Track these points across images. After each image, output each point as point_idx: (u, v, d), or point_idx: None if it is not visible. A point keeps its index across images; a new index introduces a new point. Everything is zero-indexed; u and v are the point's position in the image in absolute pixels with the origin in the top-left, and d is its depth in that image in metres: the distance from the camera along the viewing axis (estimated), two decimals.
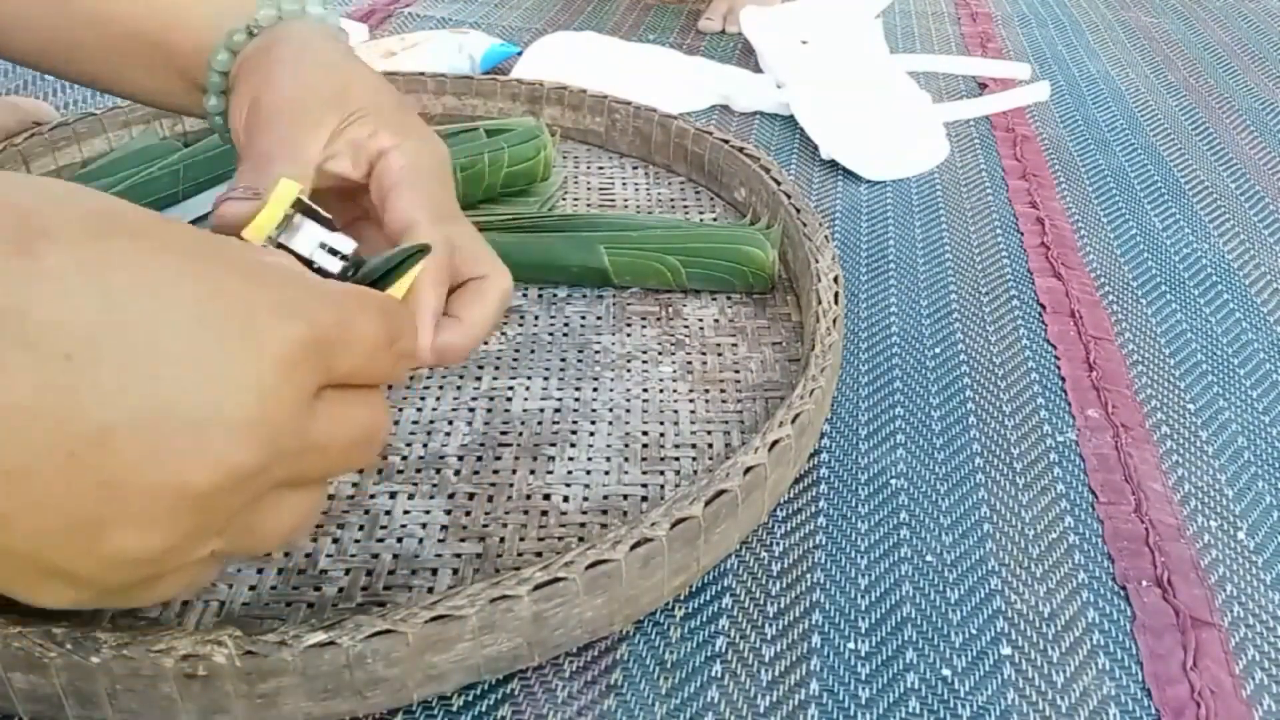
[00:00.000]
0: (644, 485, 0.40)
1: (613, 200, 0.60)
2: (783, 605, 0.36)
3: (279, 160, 0.33)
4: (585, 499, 0.39)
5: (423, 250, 0.31)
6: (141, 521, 0.21)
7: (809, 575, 0.37)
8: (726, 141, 0.59)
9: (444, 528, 0.38)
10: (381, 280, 0.30)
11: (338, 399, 0.24)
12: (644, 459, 0.41)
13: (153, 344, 0.20)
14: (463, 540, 0.37)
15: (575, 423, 0.43)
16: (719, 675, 0.33)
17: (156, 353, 0.20)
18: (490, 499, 0.39)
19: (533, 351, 0.47)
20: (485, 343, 0.48)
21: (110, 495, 0.20)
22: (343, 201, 0.37)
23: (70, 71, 0.43)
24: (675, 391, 0.45)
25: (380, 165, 0.35)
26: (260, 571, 0.36)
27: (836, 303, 0.44)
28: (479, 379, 0.46)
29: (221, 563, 0.25)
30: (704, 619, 0.35)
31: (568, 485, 0.40)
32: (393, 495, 0.39)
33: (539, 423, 0.43)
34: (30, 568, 0.21)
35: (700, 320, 0.50)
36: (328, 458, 0.24)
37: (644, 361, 0.47)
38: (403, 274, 0.31)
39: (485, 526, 0.38)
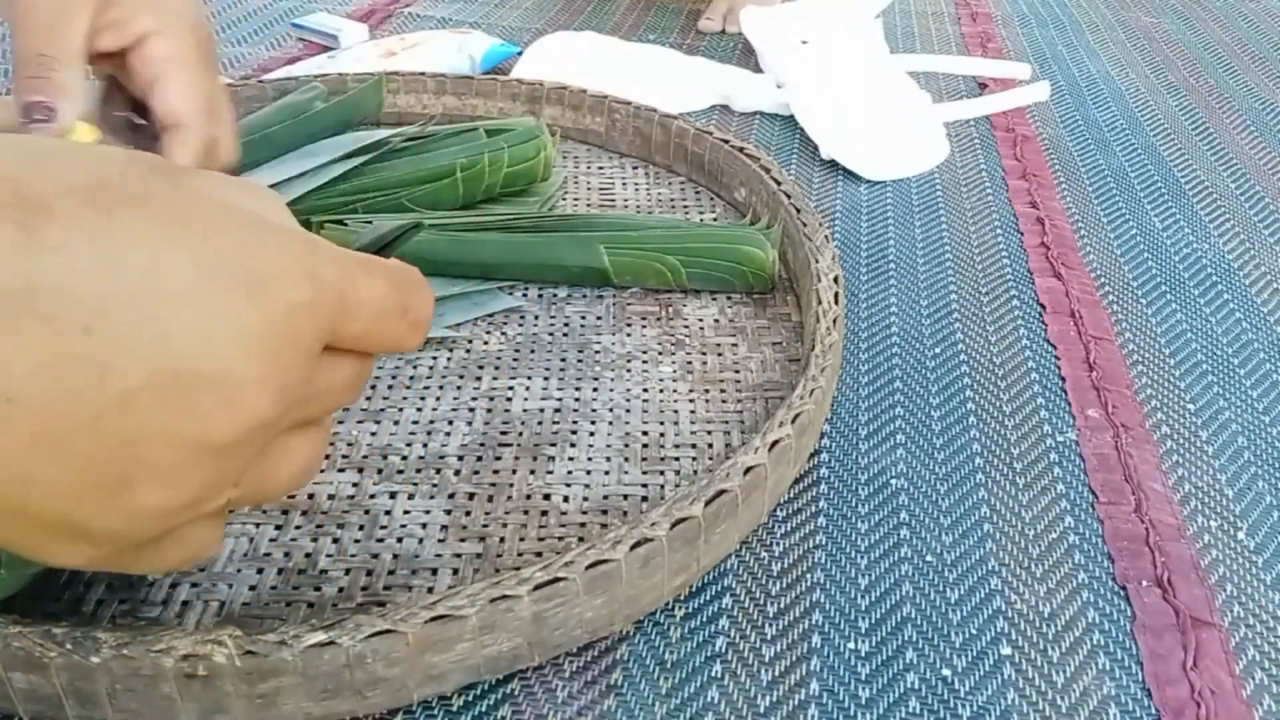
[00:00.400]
0: (644, 485, 0.40)
1: (613, 200, 0.60)
2: (783, 605, 0.36)
3: (54, 58, 0.36)
4: (585, 499, 0.39)
5: (417, 227, 0.31)
6: (165, 475, 0.21)
7: (809, 575, 0.37)
8: (726, 141, 0.59)
9: (444, 528, 0.38)
10: (376, 254, 0.30)
11: (336, 358, 0.25)
12: (644, 459, 0.41)
13: (165, 308, 0.21)
14: (463, 540, 0.37)
15: (575, 423, 0.43)
16: (719, 675, 0.33)
17: (169, 316, 0.21)
18: (490, 499, 0.39)
19: (533, 351, 0.47)
20: (485, 343, 0.48)
21: (135, 453, 0.21)
22: (100, 62, 0.39)
23: None
24: (675, 391, 0.45)
25: (143, 51, 0.37)
26: (260, 571, 0.36)
27: (836, 303, 0.44)
28: (479, 379, 0.46)
29: (221, 526, 0.26)
30: (704, 619, 0.35)
31: (568, 485, 0.40)
32: (393, 495, 0.39)
33: (539, 423, 0.43)
34: (50, 526, 0.21)
35: (700, 320, 0.50)
36: (329, 399, 0.25)
37: (644, 361, 0.47)
38: (396, 249, 0.31)
39: (485, 526, 0.38)
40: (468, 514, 0.38)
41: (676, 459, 0.41)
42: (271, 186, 0.53)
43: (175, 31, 0.38)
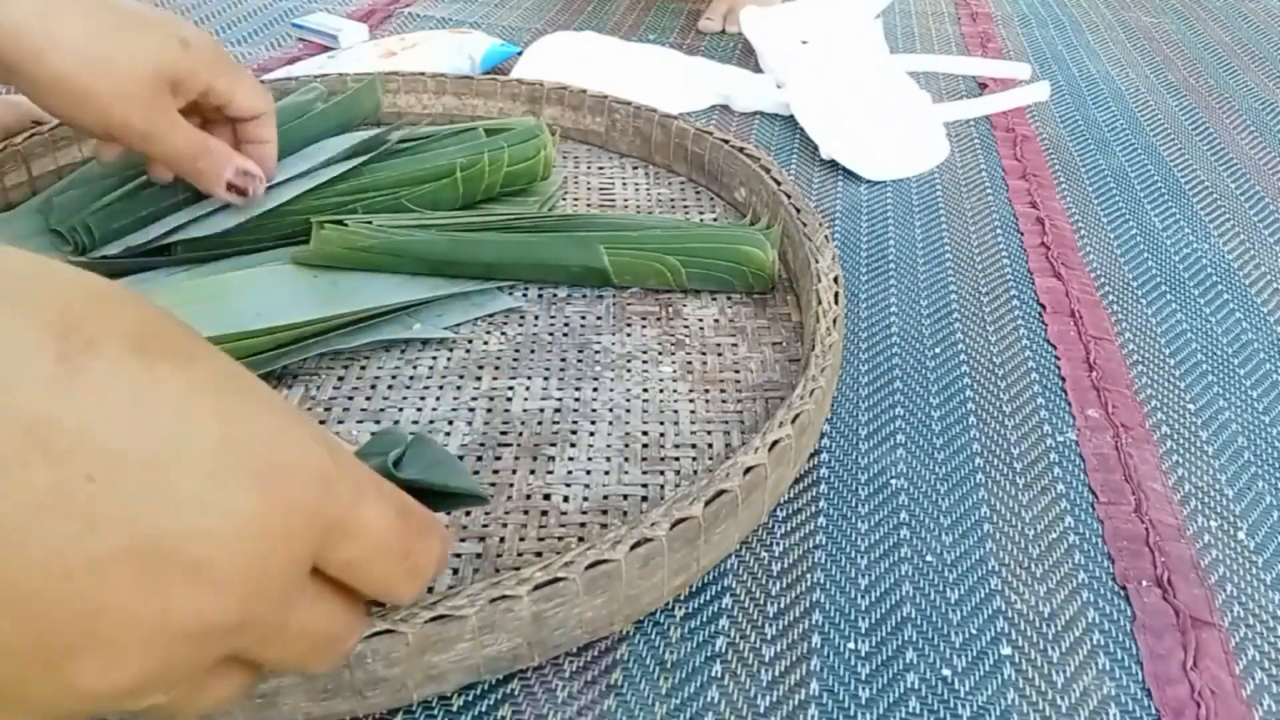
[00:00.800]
0: (644, 485, 0.40)
1: (613, 200, 0.60)
2: (783, 605, 0.36)
3: (176, 135, 0.45)
4: (585, 499, 0.39)
5: (480, 499, 0.30)
6: (110, 655, 0.20)
7: (809, 575, 0.37)
8: (726, 141, 0.59)
9: (444, 527, 0.38)
10: (426, 495, 0.29)
11: (324, 592, 0.24)
12: (644, 459, 0.41)
13: (173, 477, 0.20)
14: (463, 540, 0.37)
15: (575, 423, 0.43)
16: (719, 675, 0.33)
17: (174, 487, 0.20)
18: (490, 499, 0.39)
19: (533, 351, 0.47)
20: (485, 343, 0.48)
21: (90, 624, 0.19)
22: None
23: None
24: (675, 391, 0.45)
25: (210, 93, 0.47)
26: None
27: (836, 303, 0.44)
28: (479, 379, 0.46)
29: None
30: (704, 619, 0.35)
31: (568, 485, 0.40)
32: None
33: (539, 423, 0.43)
34: None
35: (700, 320, 0.50)
36: (297, 647, 0.24)
37: (644, 361, 0.47)
38: (450, 504, 0.30)
39: (485, 526, 0.38)
40: (468, 514, 0.38)
41: (676, 459, 0.41)
42: (271, 188, 0.53)
43: (215, 59, 0.47)
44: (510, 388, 0.45)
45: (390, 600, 0.26)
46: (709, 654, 0.34)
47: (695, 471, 0.41)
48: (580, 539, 0.37)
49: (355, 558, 0.23)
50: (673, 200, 0.60)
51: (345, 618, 0.25)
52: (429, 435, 0.35)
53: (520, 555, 0.37)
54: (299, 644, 0.23)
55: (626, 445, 0.42)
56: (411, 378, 0.45)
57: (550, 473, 0.40)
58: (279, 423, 0.22)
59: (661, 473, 0.41)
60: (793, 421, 0.37)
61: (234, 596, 0.21)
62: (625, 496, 0.39)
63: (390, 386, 0.45)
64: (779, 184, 0.54)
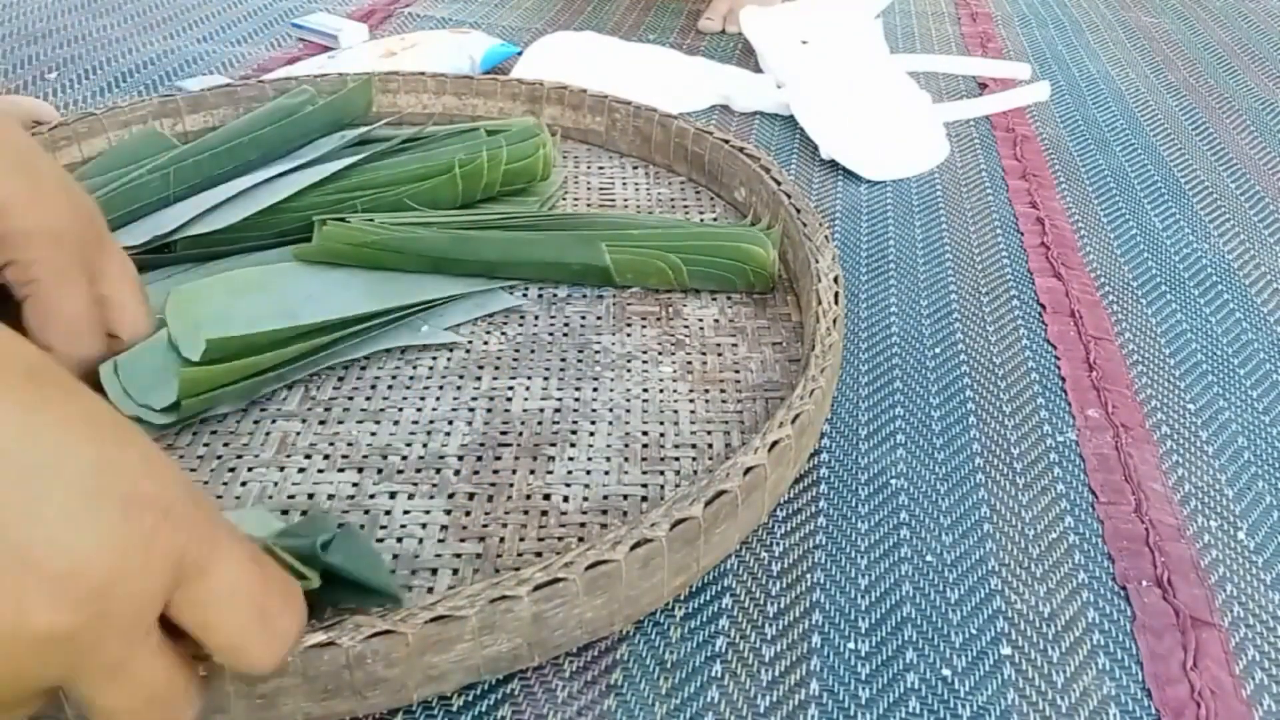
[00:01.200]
0: (644, 485, 0.40)
1: (613, 200, 0.60)
2: (783, 605, 0.36)
3: None
4: (585, 499, 0.39)
5: (397, 600, 0.31)
6: None
7: (809, 575, 0.37)
8: (726, 141, 0.59)
9: (444, 528, 0.38)
10: (343, 587, 0.30)
11: (166, 646, 0.24)
12: (644, 459, 0.41)
13: (45, 491, 0.21)
14: (463, 540, 0.37)
15: (575, 423, 0.43)
16: (719, 675, 0.33)
17: (48, 499, 0.21)
18: (490, 499, 0.39)
19: (533, 351, 0.47)
20: (485, 343, 0.48)
21: None
22: None
23: None
24: (675, 391, 0.45)
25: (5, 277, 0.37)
26: None
27: (836, 303, 0.44)
28: (479, 379, 0.46)
29: None
30: (704, 619, 0.35)
31: (568, 485, 0.40)
32: (393, 495, 0.39)
33: (539, 423, 0.43)
34: None
35: (700, 320, 0.50)
36: (122, 689, 0.23)
37: (644, 361, 0.47)
38: (365, 599, 0.30)
39: (485, 526, 0.38)
40: (468, 514, 0.38)
41: (676, 459, 0.41)
42: (264, 183, 0.53)
43: (32, 242, 0.36)
44: (510, 388, 0.45)
45: (243, 666, 0.25)
46: (709, 654, 0.34)
47: (695, 471, 0.41)
48: (580, 539, 0.37)
49: (207, 598, 0.24)
50: (673, 200, 0.60)
51: (183, 682, 0.24)
52: (358, 530, 0.36)
53: (520, 555, 0.37)
54: (134, 694, 0.23)
55: (626, 445, 0.42)
56: (411, 378, 0.45)
57: (550, 473, 0.40)
58: (149, 459, 0.23)
59: (661, 473, 0.41)
60: (793, 421, 0.37)
61: (85, 613, 0.21)
62: (625, 496, 0.39)
63: (390, 386, 0.45)
64: (779, 184, 0.54)
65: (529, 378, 0.46)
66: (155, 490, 0.23)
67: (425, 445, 0.42)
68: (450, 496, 0.39)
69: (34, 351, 0.23)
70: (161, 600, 0.23)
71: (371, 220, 0.49)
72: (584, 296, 0.51)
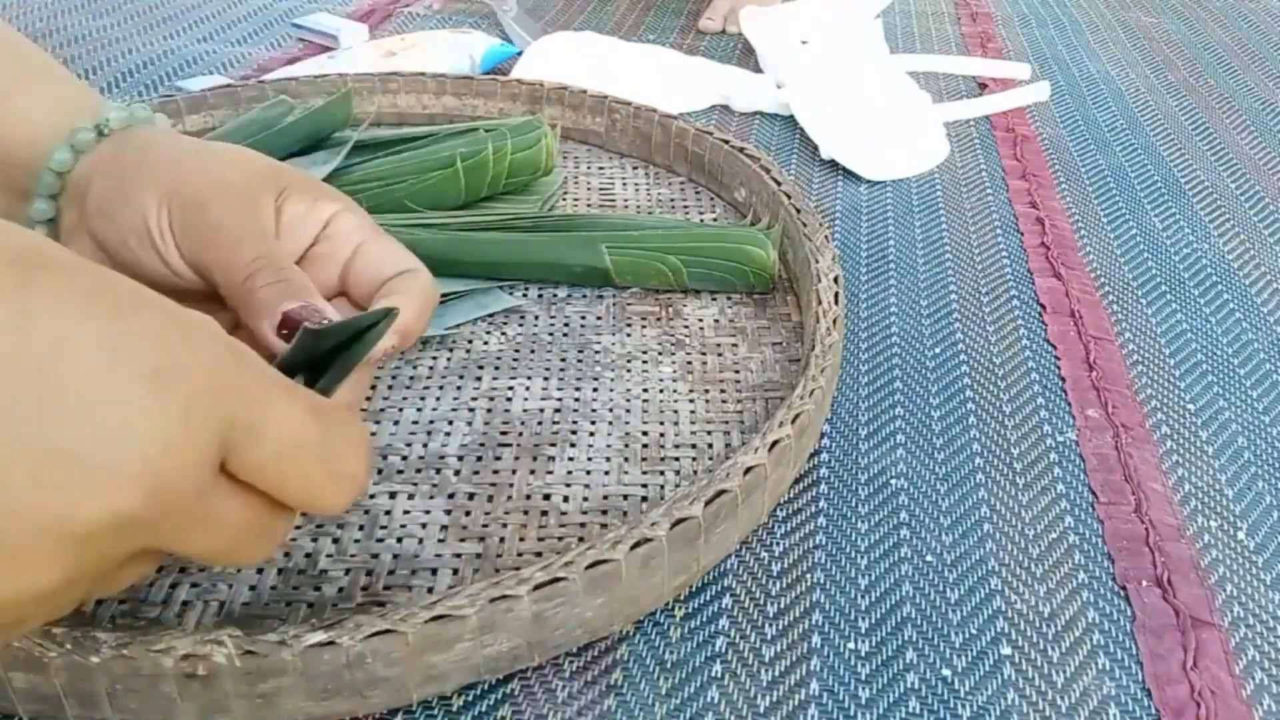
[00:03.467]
0: (644, 485, 0.40)
1: (613, 200, 0.60)
2: (783, 605, 0.36)
3: (280, 265, 0.31)
4: (585, 499, 0.39)
5: (390, 314, 0.29)
6: (21, 560, 0.20)
7: (809, 575, 0.37)
8: (726, 141, 0.59)
9: (444, 528, 0.38)
10: (347, 345, 0.28)
11: (241, 487, 0.23)
12: (644, 459, 0.41)
13: (59, 383, 0.20)
14: (463, 540, 0.37)
15: (575, 423, 0.43)
16: (719, 675, 0.33)
17: (61, 392, 0.20)
18: (490, 499, 0.39)
19: (533, 351, 0.47)
20: (485, 343, 0.48)
21: None
22: None
23: None
24: (675, 391, 0.45)
25: (331, 230, 0.34)
26: (260, 571, 0.36)
27: (836, 303, 0.44)
28: (479, 379, 0.46)
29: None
30: (704, 619, 0.35)
31: (568, 485, 0.40)
32: (393, 495, 0.39)
33: (539, 423, 0.43)
34: None
35: (700, 320, 0.50)
36: (209, 534, 0.23)
37: (644, 361, 0.47)
38: (368, 339, 0.29)
39: (485, 526, 0.38)
40: (468, 514, 0.38)
41: (676, 459, 0.41)
42: None
43: (353, 207, 0.35)
44: (510, 388, 0.45)
45: (317, 510, 0.25)
46: (709, 654, 0.34)
47: (695, 471, 0.41)
48: (580, 539, 0.37)
49: (266, 459, 0.23)
50: (673, 200, 0.60)
51: (270, 510, 0.24)
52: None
53: (520, 555, 0.37)
54: (222, 534, 0.23)
55: (626, 445, 0.42)
56: (411, 378, 0.45)
57: (550, 473, 0.40)
58: (173, 323, 0.22)
59: (661, 473, 0.41)
60: (793, 421, 0.37)
61: (140, 491, 0.21)
62: (625, 496, 0.39)
63: (390, 386, 0.45)
64: (779, 184, 0.54)
65: (529, 378, 0.46)
66: (183, 358, 0.21)
67: (425, 445, 0.42)
68: (450, 496, 0.39)
69: (24, 236, 0.21)
70: (217, 460, 0.22)
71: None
72: (584, 296, 0.51)
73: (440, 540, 0.37)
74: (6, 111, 0.35)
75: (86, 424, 0.20)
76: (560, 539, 0.37)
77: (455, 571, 0.36)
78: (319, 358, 0.29)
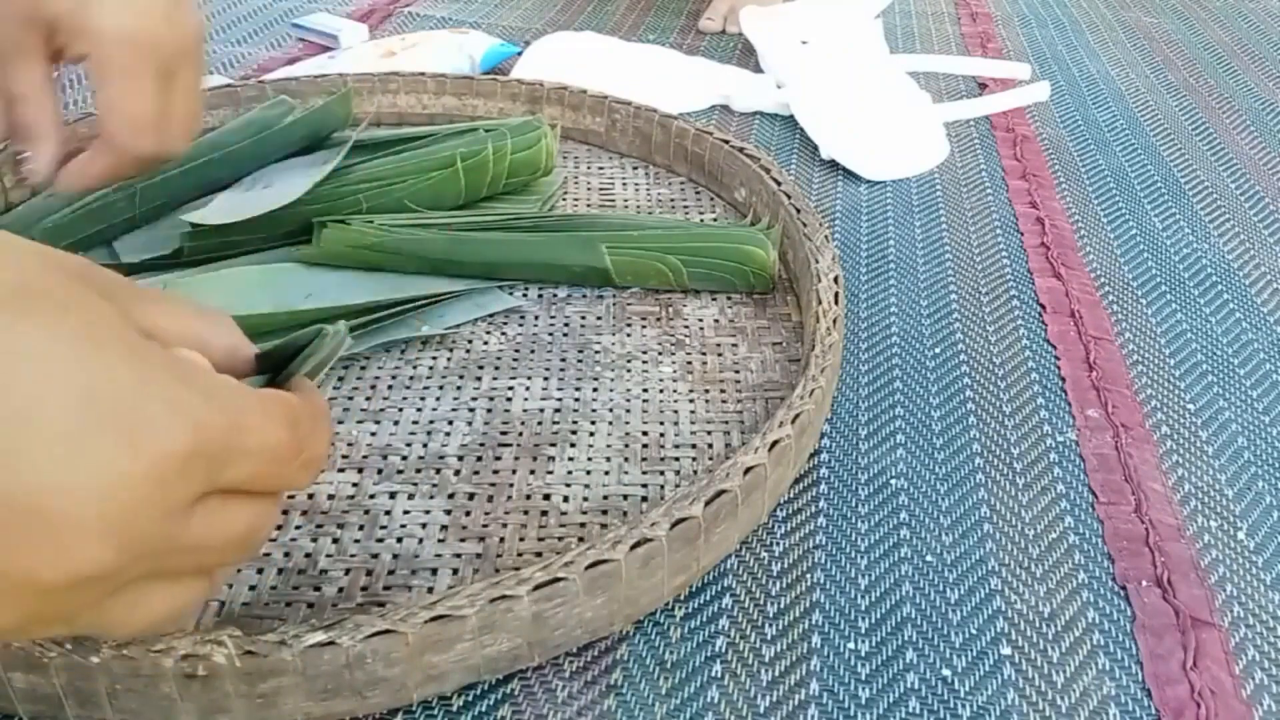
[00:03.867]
0: (644, 485, 0.40)
1: (613, 200, 0.60)
2: (783, 605, 0.36)
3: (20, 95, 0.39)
4: (585, 499, 0.39)
5: (320, 332, 0.29)
6: None
7: (809, 575, 0.37)
8: (726, 141, 0.59)
9: (444, 528, 0.38)
10: (289, 362, 0.29)
11: (221, 504, 0.24)
12: (644, 459, 0.41)
13: (33, 430, 0.20)
14: (463, 540, 0.37)
15: (575, 423, 0.43)
16: (719, 675, 0.33)
17: (33, 441, 0.20)
18: (490, 499, 0.39)
19: (533, 351, 0.47)
20: (485, 343, 0.48)
21: None
22: None
23: None
24: (675, 391, 0.45)
25: (86, 65, 0.39)
26: (260, 571, 0.36)
27: (836, 303, 0.44)
28: (479, 379, 0.46)
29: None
30: (704, 619, 0.35)
31: (568, 485, 0.40)
32: (393, 495, 0.39)
33: (539, 423, 0.43)
34: None
35: (700, 320, 0.50)
36: (202, 555, 0.24)
37: (644, 361, 0.47)
38: (311, 355, 0.29)
39: (485, 526, 0.38)
40: (468, 514, 0.38)
41: (676, 459, 0.41)
42: (267, 188, 0.53)
43: (106, 33, 0.38)
44: (510, 388, 0.45)
45: (286, 490, 0.26)
46: (709, 654, 0.34)
47: (695, 471, 0.41)
48: (580, 539, 0.37)
49: (247, 476, 0.24)
50: (673, 200, 0.60)
51: (253, 515, 0.25)
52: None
53: (520, 555, 0.37)
54: (202, 553, 0.23)
55: (626, 445, 0.42)
56: (411, 378, 0.45)
57: (550, 473, 0.40)
58: (146, 373, 0.22)
59: (661, 473, 0.41)
60: (793, 421, 0.37)
61: (104, 547, 0.20)
62: (625, 496, 0.39)
63: (390, 386, 0.45)
64: (779, 184, 0.54)
65: (529, 378, 0.46)
66: (156, 410, 0.21)
67: (425, 445, 0.42)
68: (450, 496, 0.39)
69: (30, 267, 0.21)
70: (197, 495, 0.22)
71: (371, 222, 0.49)
72: (584, 297, 0.51)
73: (440, 540, 0.37)
74: None
75: (51, 476, 0.20)
76: (560, 539, 0.37)
77: (455, 571, 0.36)
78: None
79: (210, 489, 0.23)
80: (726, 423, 0.43)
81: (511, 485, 0.40)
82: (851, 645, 0.35)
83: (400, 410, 0.43)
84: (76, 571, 0.20)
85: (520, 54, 0.80)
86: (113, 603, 0.23)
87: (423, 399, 0.44)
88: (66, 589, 0.21)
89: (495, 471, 0.40)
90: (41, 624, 0.22)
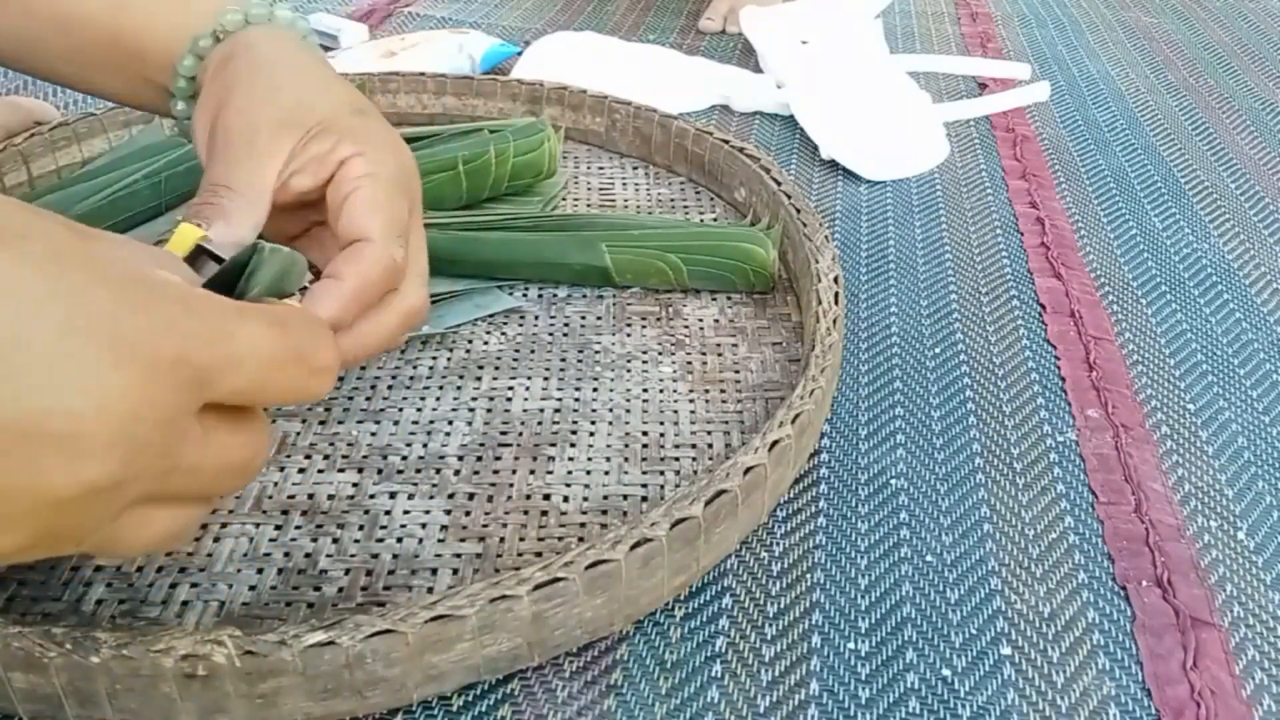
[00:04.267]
0: (644, 485, 0.40)
1: (613, 200, 0.60)
2: (783, 605, 0.36)
3: (233, 189, 0.33)
4: (585, 499, 0.39)
5: (257, 248, 0.29)
6: None
7: (809, 575, 0.37)
8: (726, 141, 0.59)
9: (444, 528, 0.38)
10: (239, 283, 0.29)
11: (216, 422, 0.24)
12: (644, 459, 0.41)
13: (21, 357, 0.20)
14: (463, 540, 0.37)
15: (575, 423, 0.43)
16: (719, 675, 0.33)
17: (23, 366, 0.20)
18: (490, 499, 0.39)
19: (533, 351, 0.47)
20: (485, 343, 0.48)
21: None
22: (305, 210, 0.37)
23: (39, 71, 0.42)
24: (675, 391, 0.45)
25: (339, 174, 0.34)
26: (260, 571, 0.36)
27: (836, 303, 0.44)
28: (479, 379, 0.46)
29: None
30: (704, 619, 0.35)
31: (568, 485, 0.40)
32: (393, 495, 0.39)
33: (539, 423, 0.43)
34: None
35: (700, 320, 0.50)
36: (199, 479, 0.24)
37: (644, 361, 0.47)
38: (253, 273, 0.29)
39: (485, 526, 0.38)
40: (468, 514, 0.38)
41: (676, 459, 0.41)
42: None
43: (377, 155, 0.35)
44: (510, 388, 0.45)
45: (304, 402, 0.26)
46: (709, 654, 0.34)
47: (695, 471, 0.41)
48: (580, 539, 0.37)
49: (245, 384, 0.24)
50: (673, 200, 0.60)
51: (247, 438, 0.25)
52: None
53: (520, 555, 0.37)
54: (199, 476, 0.24)
55: (626, 445, 0.42)
56: (411, 378, 0.45)
57: (550, 473, 0.40)
58: (121, 287, 0.22)
59: (661, 473, 0.41)
60: (793, 421, 0.37)
61: (109, 458, 0.21)
62: (625, 496, 0.39)
63: (390, 386, 0.45)
64: (779, 184, 0.54)
65: (529, 378, 0.46)
66: (137, 322, 0.22)
67: (425, 445, 0.42)
68: (450, 496, 0.39)
69: None
70: (193, 407, 0.23)
71: None
72: (584, 296, 0.51)
73: (440, 540, 0.37)
74: (142, 21, 0.39)
75: (48, 397, 0.20)
76: (560, 539, 0.37)
77: (455, 571, 0.36)
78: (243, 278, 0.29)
79: (207, 398, 0.23)
80: (726, 423, 0.43)
81: (511, 485, 0.40)
82: (851, 645, 0.35)
83: (400, 410, 0.43)
84: (87, 482, 0.21)
85: (520, 54, 0.80)
86: (119, 523, 0.23)
87: (423, 399, 0.44)
88: (77, 501, 0.21)
89: (495, 471, 0.40)
90: (52, 540, 0.22)
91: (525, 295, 0.51)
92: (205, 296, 0.24)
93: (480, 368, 0.46)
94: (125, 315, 0.22)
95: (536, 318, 0.50)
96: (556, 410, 0.44)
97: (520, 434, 0.42)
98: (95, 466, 0.21)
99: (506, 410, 0.44)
